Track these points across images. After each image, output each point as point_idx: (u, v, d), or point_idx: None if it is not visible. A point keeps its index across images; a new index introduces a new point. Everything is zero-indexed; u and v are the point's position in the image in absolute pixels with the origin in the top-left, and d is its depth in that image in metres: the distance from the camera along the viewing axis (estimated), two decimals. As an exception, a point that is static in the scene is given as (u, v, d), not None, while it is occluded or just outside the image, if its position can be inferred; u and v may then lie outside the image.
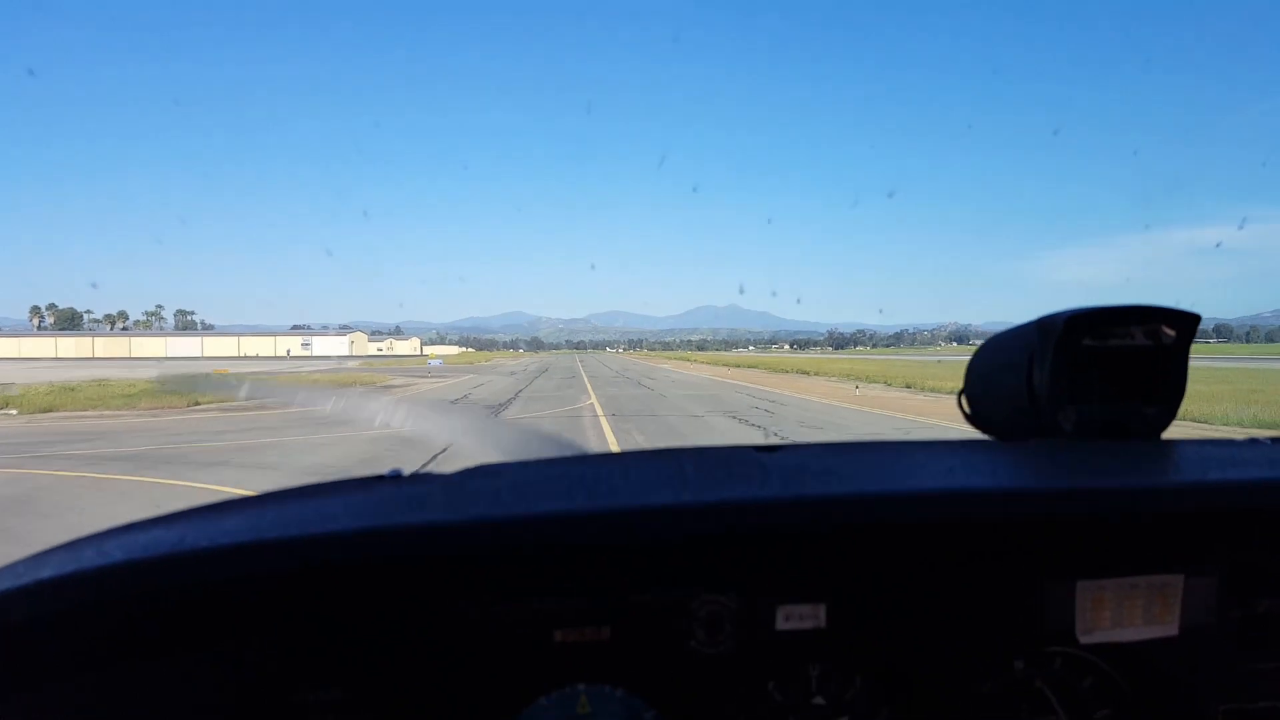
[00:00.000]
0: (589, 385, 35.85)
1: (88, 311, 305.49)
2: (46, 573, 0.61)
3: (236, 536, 0.63)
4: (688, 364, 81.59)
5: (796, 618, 0.76)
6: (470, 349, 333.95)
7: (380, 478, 0.79)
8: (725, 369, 60.34)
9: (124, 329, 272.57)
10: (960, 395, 1.11)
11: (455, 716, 0.73)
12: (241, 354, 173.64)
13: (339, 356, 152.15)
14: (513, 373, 53.90)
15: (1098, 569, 0.78)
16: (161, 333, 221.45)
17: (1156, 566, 0.79)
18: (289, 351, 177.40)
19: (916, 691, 0.80)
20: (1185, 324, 0.94)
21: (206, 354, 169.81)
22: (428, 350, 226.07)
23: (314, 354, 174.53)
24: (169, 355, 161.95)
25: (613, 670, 0.76)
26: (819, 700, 0.80)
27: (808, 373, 51.77)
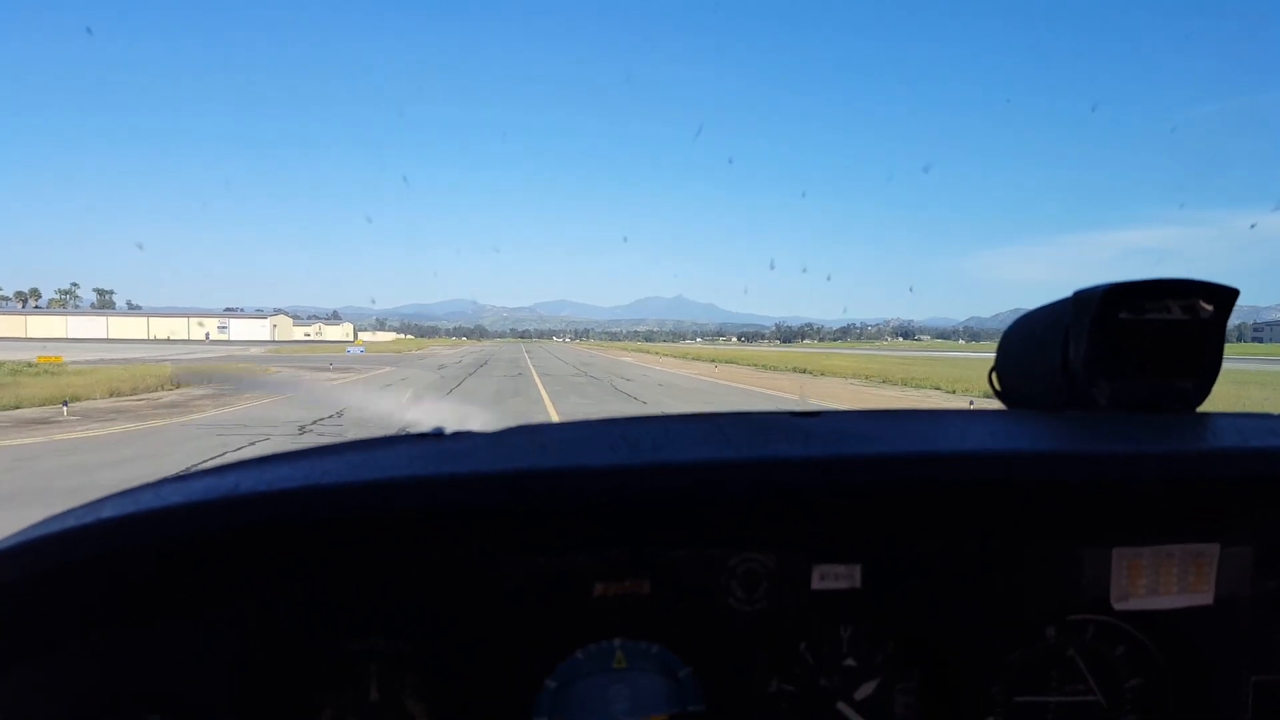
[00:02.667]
0: (542, 389, 26.07)
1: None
2: (107, 512, 0.62)
3: (290, 483, 0.64)
4: (652, 357, 71.74)
5: (832, 578, 0.77)
6: (410, 335, 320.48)
7: (424, 435, 0.80)
8: (707, 365, 50.96)
9: (36, 307, 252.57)
10: (991, 372, 1.10)
11: (494, 667, 0.75)
12: (151, 336, 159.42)
13: (260, 341, 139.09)
14: (442, 366, 43.87)
15: (1134, 536, 0.78)
16: (62, 312, 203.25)
17: (1193, 535, 0.78)
18: (208, 335, 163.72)
19: (947, 657, 0.80)
20: (1223, 298, 0.93)
21: (112, 335, 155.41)
22: (364, 336, 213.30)
23: (231, 338, 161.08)
24: (70, 336, 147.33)
25: (649, 626, 0.77)
26: (850, 662, 0.80)
27: (809, 371, 43.18)
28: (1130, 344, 0.92)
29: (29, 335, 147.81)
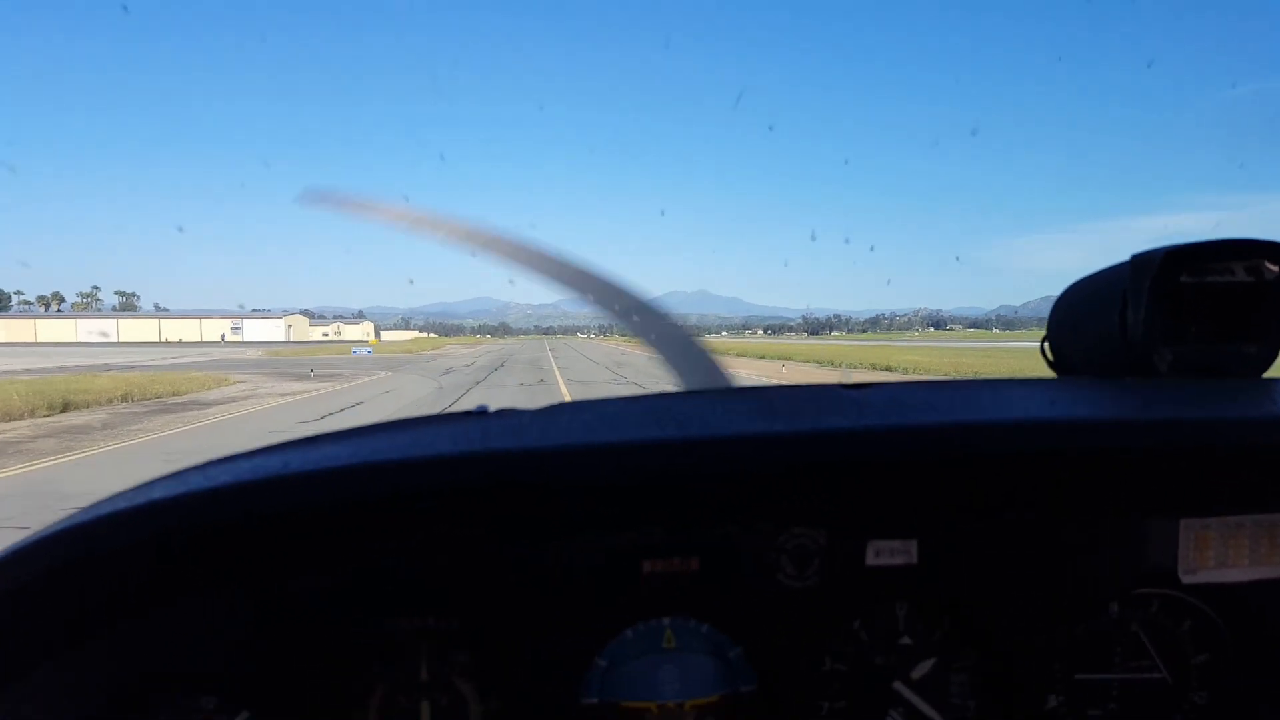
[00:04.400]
0: None
1: (17, 293, 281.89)
2: (158, 494, 0.62)
3: (339, 460, 0.64)
4: None
5: (887, 553, 0.75)
6: (433, 334, 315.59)
7: (468, 413, 0.79)
8: (765, 364, 42.87)
9: (58, 310, 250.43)
10: (1044, 342, 1.08)
11: (544, 646, 0.74)
12: (163, 339, 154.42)
13: (272, 343, 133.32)
14: (448, 371, 36.71)
15: (1202, 506, 0.76)
16: (71, 315, 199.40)
17: (1265, 504, 0.76)
18: (223, 337, 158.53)
19: (1005, 634, 0.78)
20: None
21: (123, 338, 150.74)
22: (386, 335, 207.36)
23: (245, 339, 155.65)
24: (78, 340, 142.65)
25: (699, 604, 0.76)
26: (906, 640, 0.79)
27: (890, 368, 35.57)
28: (1191, 308, 0.90)
29: (38, 339, 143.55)
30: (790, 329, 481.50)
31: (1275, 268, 0.88)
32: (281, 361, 49.43)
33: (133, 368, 36.78)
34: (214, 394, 23.23)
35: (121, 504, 0.62)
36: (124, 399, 20.54)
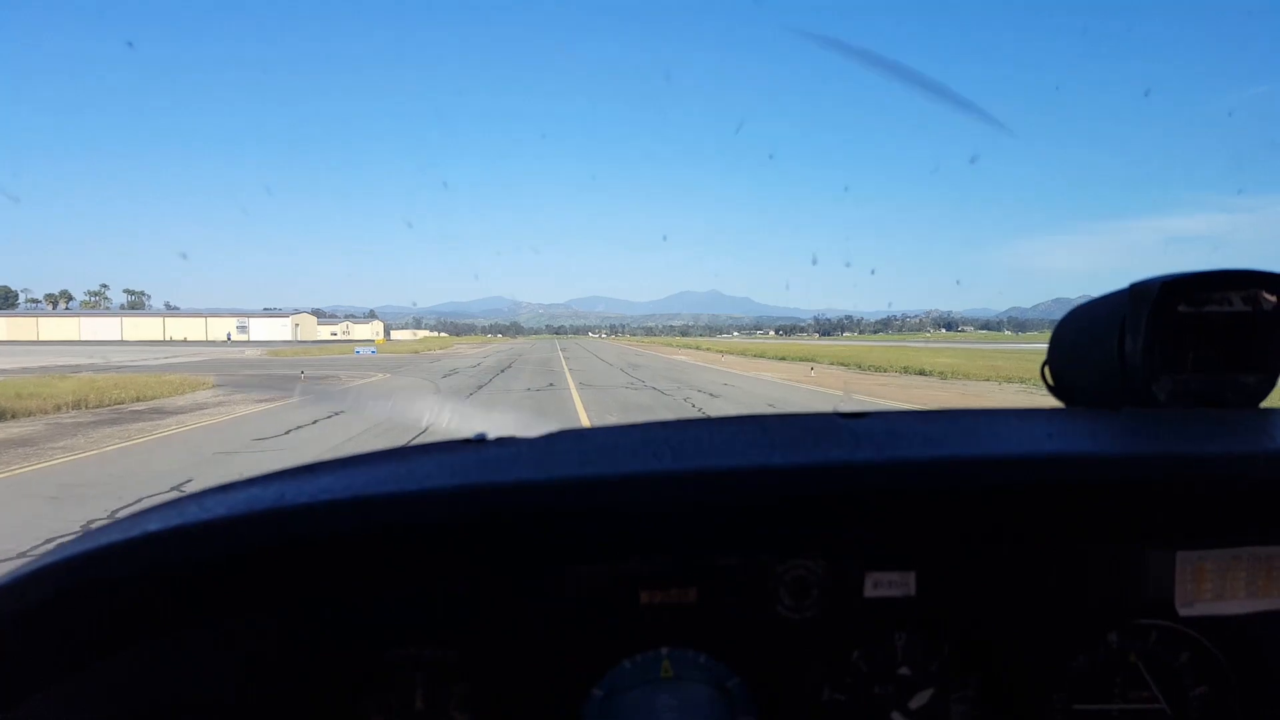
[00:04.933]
0: (583, 415, 16.39)
1: (24, 290, 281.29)
2: (153, 526, 0.62)
3: (334, 493, 0.64)
4: (711, 355, 60.32)
5: (885, 585, 0.75)
6: (444, 334, 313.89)
7: (467, 441, 0.79)
8: (791, 367, 40.31)
9: (66, 309, 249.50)
10: (1044, 367, 1.08)
11: (540, 677, 0.74)
12: (168, 338, 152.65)
13: (278, 342, 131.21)
14: (451, 373, 33.94)
15: (1199, 539, 0.76)
16: (74, 314, 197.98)
17: (1262, 537, 0.76)
18: (229, 336, 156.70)
19: (1005, 664, 0.79)
20: None
21: (126, 336, 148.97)
22: (397, 335, 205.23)
23: (251, 338, 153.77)
24: (81, 339, 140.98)
25: (697, 634, 0.75)
26: (905, 670, 0.79)
27: (925, 371, 32.64)
28: (1190, 338, 0.91)
29: (41, 338, 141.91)
30: (802, 330, 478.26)
31: (1272, 298, 0.89)
32: (270, 363, 46.73)
33: (115, 368, 34.49)
34: (182, 400, 20.68)
35: (115, 535, 0.62)
36: (77, 405, 18.04)
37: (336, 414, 16.37)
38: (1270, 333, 0.91)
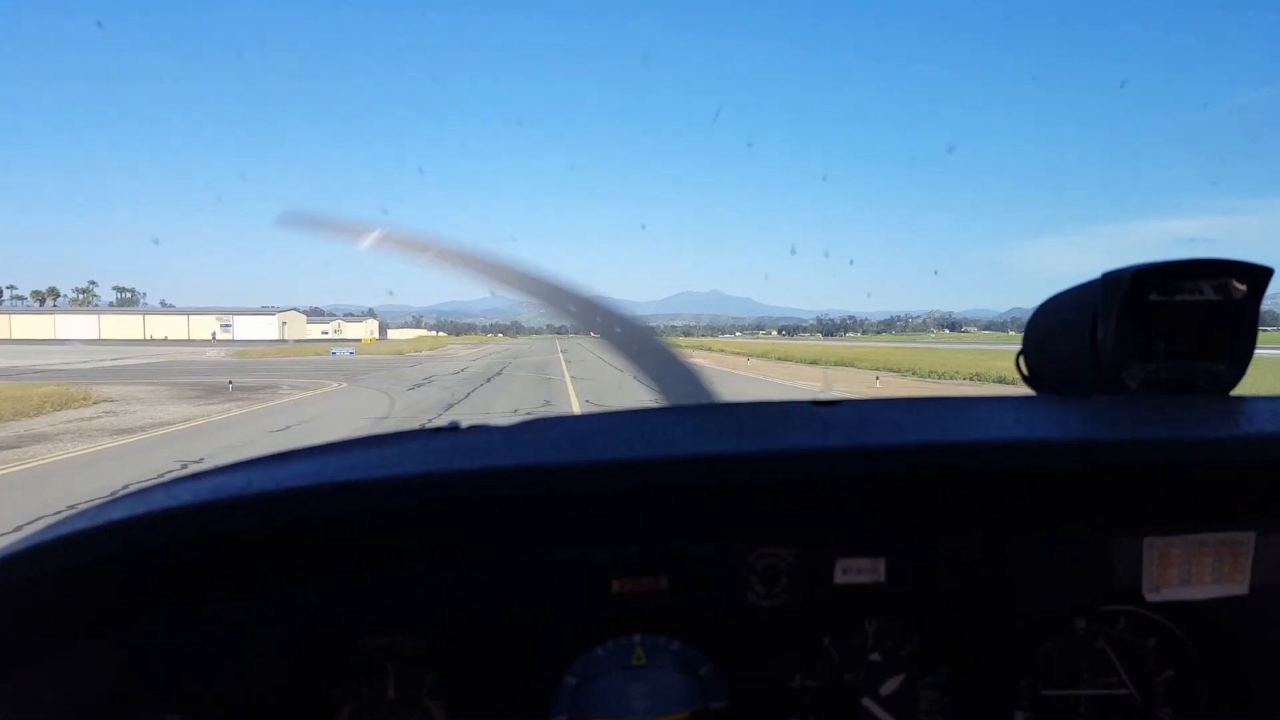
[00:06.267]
0: None
1: (10, 287, 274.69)
2: (118, 514, 0.62)
3: (303, 480, 0.64)
4: (731, 358, 53.56)
5: (855, 571, 0.75)
6: (443, 333, 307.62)
7: (439, 429, 0.79)
8: (842, 374, 33.25)
9: (54, 306, 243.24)
10: (1019, 357, 1.10)
11: (512, 664, 0.74)
12: (148, 336, 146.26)
13: (261, 341, 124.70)
14: (425, 381, 27.65)
15: (1166, 525, 0.76)
16: (50, 311, 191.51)
17: (1228, 523, 0.77)
18: (214, 335, 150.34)
19: (973, 650, 0.79)
20: (1256, 278, 0.91)
21: (105, 335, 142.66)
22: (394, 334, 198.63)
23: (236, 337, 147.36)
24: (57, 336, 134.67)
25: (669, 622, 0.76)
26: (875, 656, 0.79)
27: (981, 376, 26.44)
28: (1161, 326, 0.91)
29: (12, 335, 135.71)
30: (804, 330, 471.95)
31: (1242, 287, 0.90)
32: (230, 365, 40.81)
33: (31, 373, 28.79)
34: (47, 421, 14.96)
35: (81, 524, 0.62)
36: None
37: (246, 444, 10.17)
38: (1240, 321, 0.91)
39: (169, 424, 15.17)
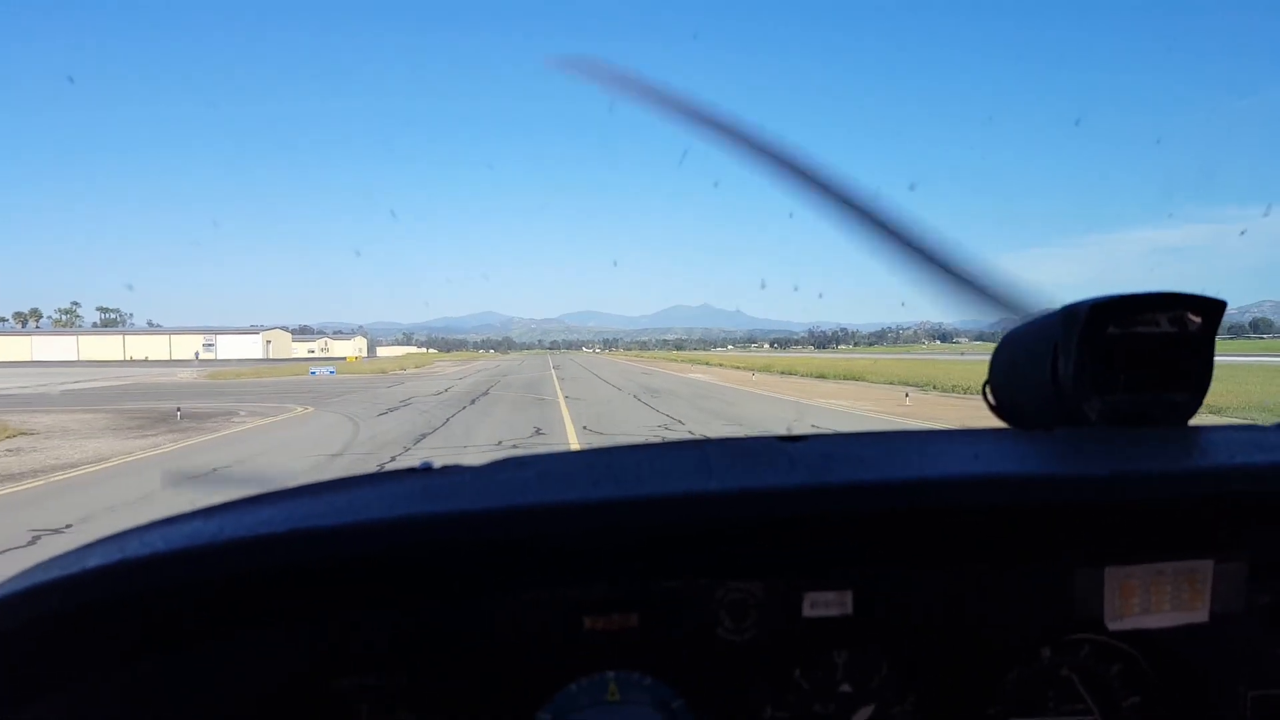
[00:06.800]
0: None
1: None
2: (92, 562, 0.62)
3: (273, 527, 0.65)
4: (735, 373, 50.51)
5: (823, 605, 0.76)
6: (433, 350, 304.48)
7: (412, 470, 0.81)
8: (850, 387, 30.53)
9: (36, 327, 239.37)
10: (985, 387, 1.11)
11: (488, 703, 0.74)
12: (128, 357, 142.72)
13: (245, 360, 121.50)
14: (400, 405, 24.98)
15: (1126, 555, 0.78)
16: (25, 333, 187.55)
17: (1185, 552, 0.78)
18: (196, 354, 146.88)
19: (942, 679, 0.80)
20: (1210, 310, 0.93)
21: (84, 356, 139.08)
22: (383, 351, 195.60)
23: (219, 356, 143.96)
24: (34, 358, 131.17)
25: (641, 658, 0.77)
26: (845, 687, 0.80)
27: None
28: (1119, 358, 0.93)
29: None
30: (796, 342, 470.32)
31: (1198, 319, 0.93)
32: (199, 388, 38.00)
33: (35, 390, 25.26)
34: None
35: (55, 571, 0.63)
36: None
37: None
38: (1197, 353, 0.94)
39: (73, 466, 12.47)
